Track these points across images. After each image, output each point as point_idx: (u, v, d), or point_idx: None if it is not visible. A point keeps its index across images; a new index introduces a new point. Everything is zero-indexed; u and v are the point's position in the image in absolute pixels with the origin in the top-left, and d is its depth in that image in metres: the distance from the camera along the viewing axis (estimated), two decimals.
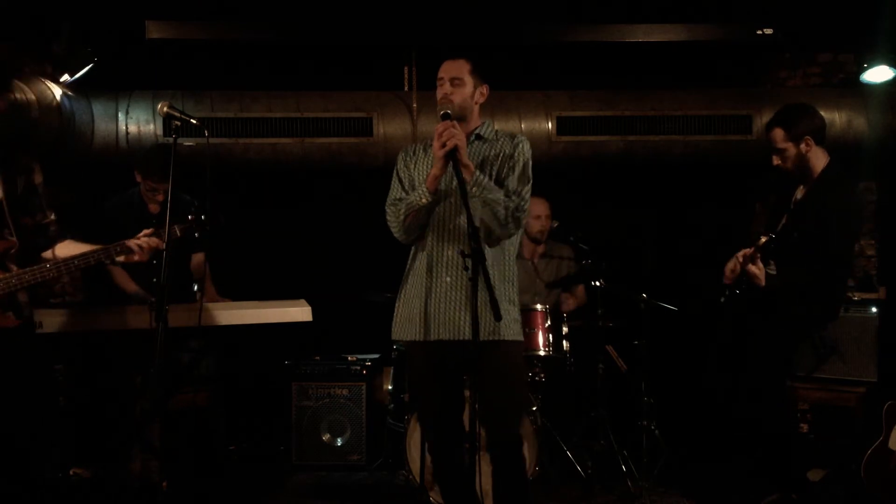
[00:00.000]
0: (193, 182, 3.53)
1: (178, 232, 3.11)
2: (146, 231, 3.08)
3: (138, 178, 4.19)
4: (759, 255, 3.59)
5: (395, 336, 3.16)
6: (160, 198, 4.15)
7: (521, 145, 3.07)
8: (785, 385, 3.91)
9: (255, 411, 5.26)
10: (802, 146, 3.71)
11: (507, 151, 3.06)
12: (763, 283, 3.60)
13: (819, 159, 3.75)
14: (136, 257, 3.05)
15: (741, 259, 3.65)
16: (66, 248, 3.10)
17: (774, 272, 3.72)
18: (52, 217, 3.13)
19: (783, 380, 3.90)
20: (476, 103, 3.09)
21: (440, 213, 3.02)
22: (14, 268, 2.91)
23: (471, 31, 4.98)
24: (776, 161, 3.78)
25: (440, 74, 3.08)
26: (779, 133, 3.74)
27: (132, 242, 3.03)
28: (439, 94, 3.07)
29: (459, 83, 3.04)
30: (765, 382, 3.73)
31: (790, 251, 3.66)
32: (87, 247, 3.06)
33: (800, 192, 3.83)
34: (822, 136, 3.77)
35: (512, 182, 3.01)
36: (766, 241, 3.58)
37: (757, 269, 3.59)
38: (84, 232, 4.18)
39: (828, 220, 3.64)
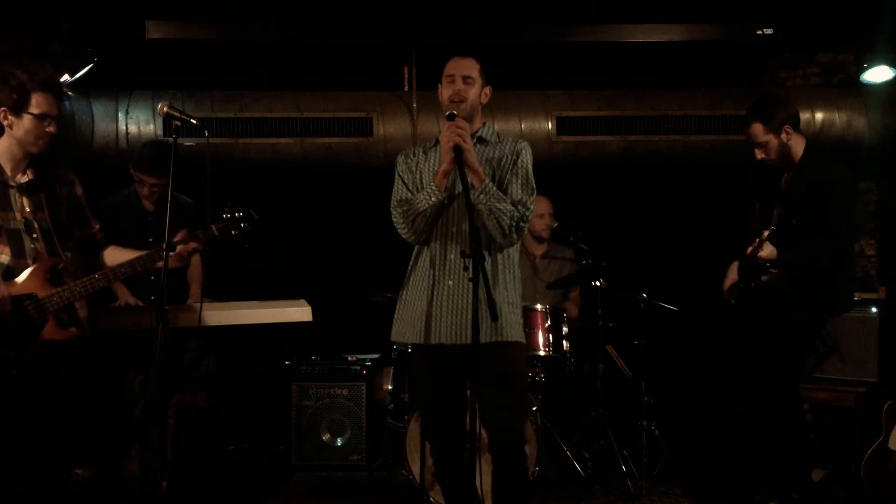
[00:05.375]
0: (193, 182, 3.53)
1: (214, 231, 3.10)
2: (180, 234, 3.09)
3: (132, 171, 4.21)
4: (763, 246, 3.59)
5: (394, 337, 3.15)
6: (146, 191, 4.17)
7: (523, 152, 3.04)
8: (800, 385, 3.91)
9: (255, 411, 5.25)
10: (783, 136, 3.70)
11: (509, 157, 3.03)
12: (776, 256, 3.59)
13: (799, 144, 3.75)
14: (175, 263, 3.08)
15: (749, 252, 3.63)
16: (112, 255, 3.19)
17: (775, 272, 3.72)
18: (97, 227, 3.22)
19: (800, 380, 3.90)
20: (481, 104, 3.08)
21: (444, 216, 3.00)
22: (69, 282, 2.97)
23: (471, 31, 4.98)
24: (759, 155, 3.76)
25: (449, 71, 3.03)
26: (758, 128, 3.71)
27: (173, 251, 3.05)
28: (448, 90, 3.01)
29: (471, 81, 3.01)
30: (783, 383, 3.72)
31: (793, 238, 3.64)
32: (130, 252, 3.14)
33: (785, 181, 3.83)
34: (798, 120, 3.77)
35: (516, 191, 2.98)
36: (768, 235, 3.57)
37: (766, 251, 3.58)
38: None
39: (821, 192, 3.62)
